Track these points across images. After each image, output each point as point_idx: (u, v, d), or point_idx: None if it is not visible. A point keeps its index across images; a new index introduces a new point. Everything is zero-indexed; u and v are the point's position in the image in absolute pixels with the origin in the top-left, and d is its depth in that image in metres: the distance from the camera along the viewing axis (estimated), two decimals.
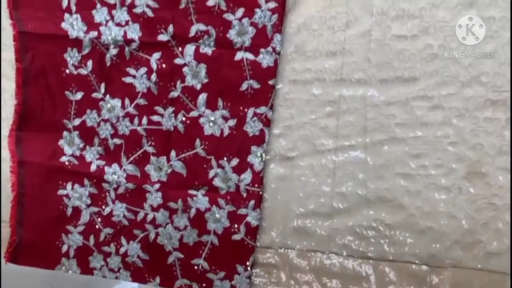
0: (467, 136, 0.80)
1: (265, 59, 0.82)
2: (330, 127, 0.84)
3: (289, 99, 0.85)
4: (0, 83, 0.93)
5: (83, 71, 0.89)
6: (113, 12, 0.85)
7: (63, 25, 0.87)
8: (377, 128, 0.82)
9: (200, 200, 0.88)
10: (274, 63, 0.82)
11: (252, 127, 0.85)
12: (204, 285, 0.89)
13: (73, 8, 0.86)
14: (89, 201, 0.92)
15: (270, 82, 0.83)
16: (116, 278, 0.92)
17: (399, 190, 0.83)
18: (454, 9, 0.78)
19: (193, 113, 0.86)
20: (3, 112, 0.94)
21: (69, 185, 0.92)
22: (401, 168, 0.83)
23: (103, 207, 0.92)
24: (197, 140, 0.87)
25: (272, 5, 0.81)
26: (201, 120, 0.86)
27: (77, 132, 0.90)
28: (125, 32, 0.86)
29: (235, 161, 0.86)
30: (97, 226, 0.93)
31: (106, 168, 0.90)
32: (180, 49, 0.85)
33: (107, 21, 0.86)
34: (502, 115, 0.79)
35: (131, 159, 0.89)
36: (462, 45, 0.78)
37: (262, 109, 0.84)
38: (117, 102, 0.88)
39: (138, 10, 0.84)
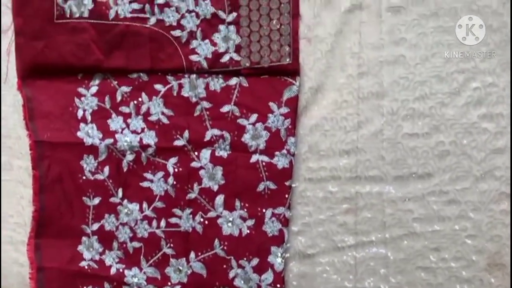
0: (484, 228, 0.81)
1: (280, 161, 0.84)
2: (348, 224, 0.85)
3: (306, 196, 0.86)
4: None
5: (100, 177, 0.90)
6: (129, 120, 0.87)
7: (78, 134, 0.89)
8: (396, 224, 0.83)
9: None
10: (289, 164, 0.84)
11: (271, 227, 0.85)
12: None
13: (89, 118, 0.88)
14: None
15: (287, 183, 0.84)
16: None
17: (421, 283, 0.83)
18: (463, 107, 0.80)
19: (211, 214, 0.87)
20: (21, 218, 0.95)
21: None
22: (422, 262, 0.83)
23: None
24: (216, 240, 0.87)
25: (284, 110, 0.83)
26: (219, 220, 0.87)
27: (96, 237, 0.91)
28: (141, 139, 0.87)
29: (255, 261, 0.86)
30: None
31: (126, 271, 0.90)
32: (196, 153, 0.86)
33: (122, 129, 0.87)
34: None
35: (151, 261, 0.89)
36: (474, 141, 0.80)
37: (280, 210, 0.85)
38: (135, 206, 0.89)
39: (153, 118, 0.86)
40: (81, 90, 0.86)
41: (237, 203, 0.86)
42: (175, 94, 0.85)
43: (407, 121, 0.81)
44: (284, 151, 0.84)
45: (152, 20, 0.86)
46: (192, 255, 0.88)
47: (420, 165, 0.82)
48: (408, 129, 0.82)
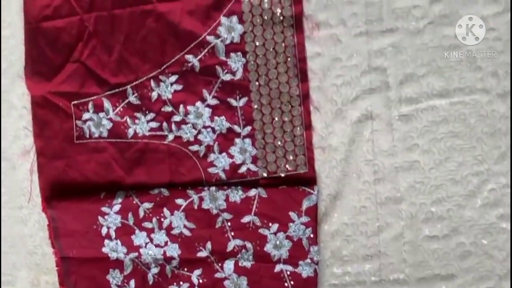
0: None
1: (304, 270, 0.85)
2: None
3: None
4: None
5: None
6: (152, 235, 0.89)
7: (103, 249, 0.90)
8: None
9: None
10: (314, 273, 0.85)
11: None
12: None
13: (113, 234, 0.89)
14: None
15: None
16: None
17: None
18: (480, 208, 0.81)
19: None
20: None
21: None
22: None
23: None
24: None
25: (305, 219, 0.84)
26: None
27: None
28: (164, 252, 0.89)
29: None
30: None
31: None
32: (219, 264, 0.88)
33: (146, 244, 0.89)
34: None
35: None
36: (494, 240, 0.81)
37: None
38: None
39: (176, 231, 0.88)
40: (105, 209, 0.89)
41: None
42: (196, 207, 0.87)
43: (426, 224, 0.83)
44: (308, 260, 0.85)
45: (170, 137, 0.88)
46: None
47: (442, 266, 0.83)
48: (428, 231, 0.83)
